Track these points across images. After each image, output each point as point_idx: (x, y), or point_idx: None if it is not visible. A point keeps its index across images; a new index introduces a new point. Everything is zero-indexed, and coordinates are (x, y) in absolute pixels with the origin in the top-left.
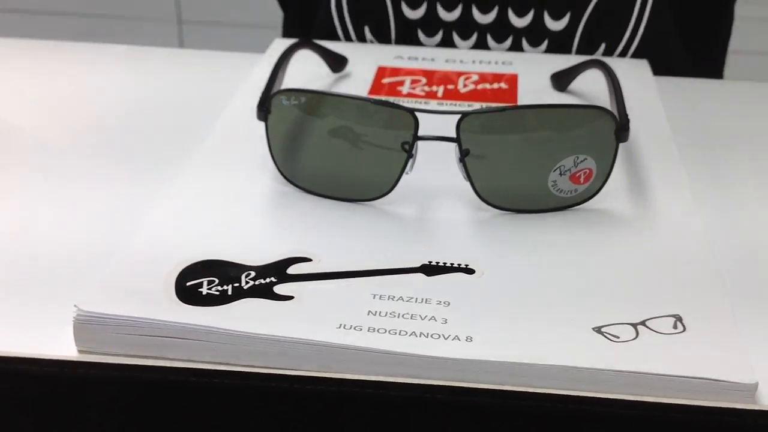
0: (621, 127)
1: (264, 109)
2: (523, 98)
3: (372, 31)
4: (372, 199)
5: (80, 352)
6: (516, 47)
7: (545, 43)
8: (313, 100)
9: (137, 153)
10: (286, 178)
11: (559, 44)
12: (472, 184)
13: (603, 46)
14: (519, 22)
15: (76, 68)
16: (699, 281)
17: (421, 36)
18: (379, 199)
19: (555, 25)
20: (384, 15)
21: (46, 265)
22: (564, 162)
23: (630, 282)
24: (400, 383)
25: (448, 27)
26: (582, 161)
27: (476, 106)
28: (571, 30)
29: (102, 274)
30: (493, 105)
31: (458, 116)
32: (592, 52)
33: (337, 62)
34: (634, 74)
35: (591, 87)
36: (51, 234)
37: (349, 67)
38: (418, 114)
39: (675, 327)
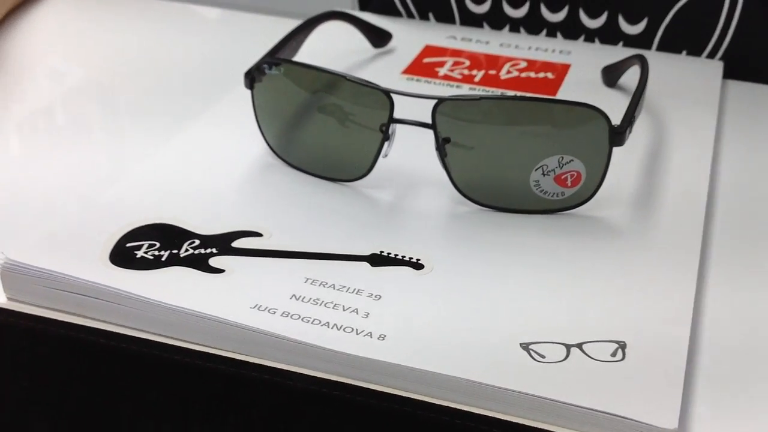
0: (616, 130)
1: (250, 77)
2: (565, 91)
3: None
4: (351, 180)
5: (9, 299)
6: None
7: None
8: (296, 72)
9: (169, 110)
10: (272, 149)
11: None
12: (449, 174)
13: (684, 54)
14: (591, 23)
15: (157, 26)
16: (667, 311)
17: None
18: (359, 181)
19: (630, 30)
20: (448, 9)
21: (24, 206)
22: (547, 161)
23: (588, 300)
24: (298, 373)
25: (515, 23)
26: (568, 162)
27: (510, 95)
28: (649, 36)
29: (51, 225)
30: (474, 93)
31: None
32: None
33: (378, 37)
34: (698, 75)
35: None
36: (41, 177)
37: (394, 43)
38: (397, 96)
39: (613, 354)
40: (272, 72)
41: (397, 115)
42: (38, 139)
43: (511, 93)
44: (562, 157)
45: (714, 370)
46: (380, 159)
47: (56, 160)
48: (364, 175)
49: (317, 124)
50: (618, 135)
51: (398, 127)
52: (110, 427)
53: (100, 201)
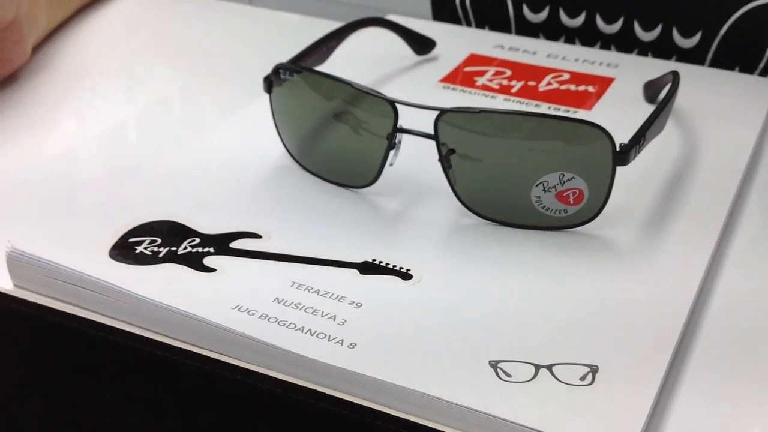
0: (621, 150)
1: (268, 81)
2: (604, 105)
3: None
4: (359, 187)
5: (15, 287)
6: None
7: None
8: (310, 79)
9: (221, 110)
10: (288, 152)
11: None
12: (452, 186)
13: (737, 70)
14: (645, 36)
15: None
16: (651, 339)
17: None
18: (367, 188)
19: (684, 43)
20: (505, 17)
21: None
22: (547, 178)
23: (570, 320)
24: (266, 376)
25: (570, 34)
26: (569, 180)
27: (544, 107)
28: (703, 50)
29: (66, 216)
30: (476, 105)
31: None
32: None
33: (420, 44)
34: (746, 93)
35: (679, 102)
36: (71, 166)
37: (437, 51)
38: (403, 106)
39: (583, 378)
40: (288, 77)
41: (410, 124)
42: (77, 132)
43: (514, 107)
44: (563, 174)
45: (693, 403)
46: (389, 168)
47: (98, 152)
48: (371, 183)
49: (329, 130)
50: (622, 155)
51: (412, 136)
52: (95, 413)
53: (117, 195)
